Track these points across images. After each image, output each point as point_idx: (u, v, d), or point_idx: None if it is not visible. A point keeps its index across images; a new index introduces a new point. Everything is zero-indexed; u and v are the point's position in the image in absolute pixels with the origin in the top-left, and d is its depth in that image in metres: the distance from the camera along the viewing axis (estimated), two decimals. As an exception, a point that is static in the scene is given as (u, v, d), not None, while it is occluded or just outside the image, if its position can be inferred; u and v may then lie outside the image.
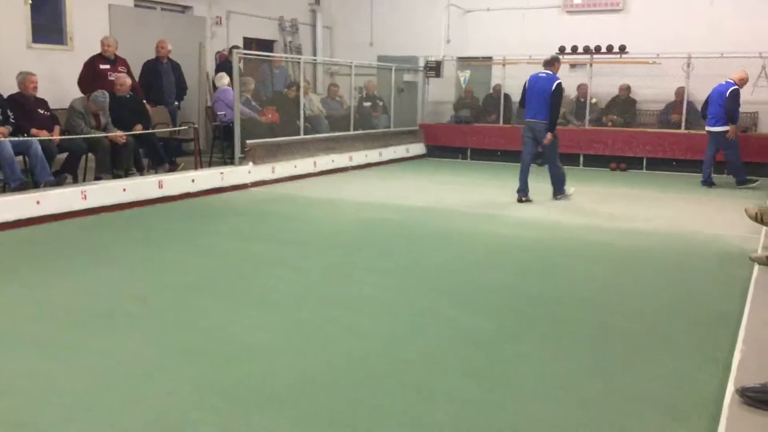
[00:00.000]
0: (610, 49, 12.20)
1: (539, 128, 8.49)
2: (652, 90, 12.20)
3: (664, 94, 12.14)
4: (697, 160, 11.41)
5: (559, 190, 8.77)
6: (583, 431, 2.72)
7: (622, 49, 12.10)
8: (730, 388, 2.84)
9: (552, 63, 8.57)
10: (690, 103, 11.84)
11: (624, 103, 12.53)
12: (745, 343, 3.39)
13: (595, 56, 12.39)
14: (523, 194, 8.56)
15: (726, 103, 9.71)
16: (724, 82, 9.92)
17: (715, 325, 3.98)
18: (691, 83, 11.66)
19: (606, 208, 8.20)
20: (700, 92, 11.76)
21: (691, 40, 11.68)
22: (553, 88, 8.29)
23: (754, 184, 9.84)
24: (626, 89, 12.52)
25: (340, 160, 11.32)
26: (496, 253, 5.79)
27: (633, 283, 4.94)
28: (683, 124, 11.77)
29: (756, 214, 5.21)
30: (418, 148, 13.64)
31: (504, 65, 13.28)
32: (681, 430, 2.72)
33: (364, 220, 7.19)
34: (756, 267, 4.94)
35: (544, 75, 8.48)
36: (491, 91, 13.82)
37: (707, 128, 10.12)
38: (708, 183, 10.05)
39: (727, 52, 10.94)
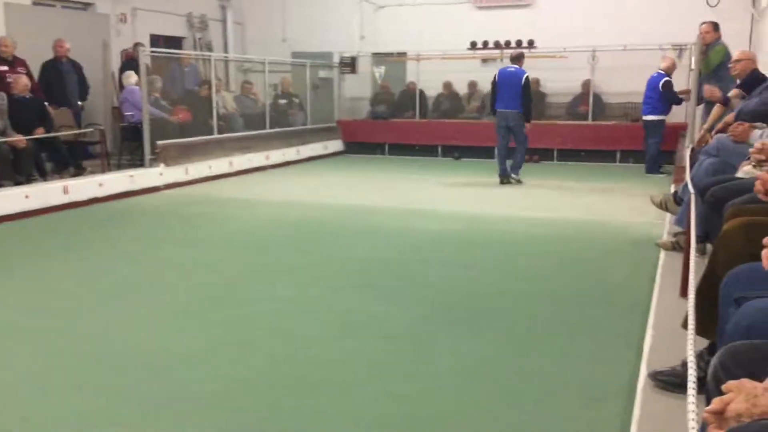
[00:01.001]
0: (519, 43, 12.51)
1: (512, 116, 9.31)
2: (560, 83, 12.59)
3: (571, 87, 12.54)
4: (603, 150, 11.87)
5: (514, 172, 9.59)
6: (504, 417, 2.76)
7: (531, 43, 12.43)
8: (643, 372, 2.95)
9: (519, 58, 9.44)
10: (596, 95, 12.29)
11: (534, 97, 12.85)
12: (654, 327, 3.53)
13: (505, 51, 12.66)
14: (503, 177, 9.48)
15: (664, 95, 10.10)
16: (655, 74, 10.33)
17: (629, 310, 4.12)
18: (596, 75, 12.10)
19: (524, 199, 8.41)
20: (606, 84, 12.26)
21: (598, 33, 12.10)
22: (523, 81, 9.14)
23: (663, 174, 10.31)
24: (535, 83, 12.83)
25: (257, 159, 11.13)
26: (420, 248, 5.81)
27: (552, 271, 5.07)
28: (590, 115, 12.21)
29: (661, 201, 5.45)
30: (336, 145, 13.59)
31: (418, 61, 13.39)
32: (598, 412, 2.80)
33: (284, 219, 7.10)
34: (662, 252, 5.17)
35: (512, 69, 9.31)
36: (407, 86, 13.91)
37: (642, 117, 10.53)
38: (656, 170, 10.38)
39: (634, 45, 11.38)
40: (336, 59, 13.97)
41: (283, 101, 12.81)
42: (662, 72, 10.30)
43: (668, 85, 10.13)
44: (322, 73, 13.76)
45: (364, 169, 11.52)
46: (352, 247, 5.86)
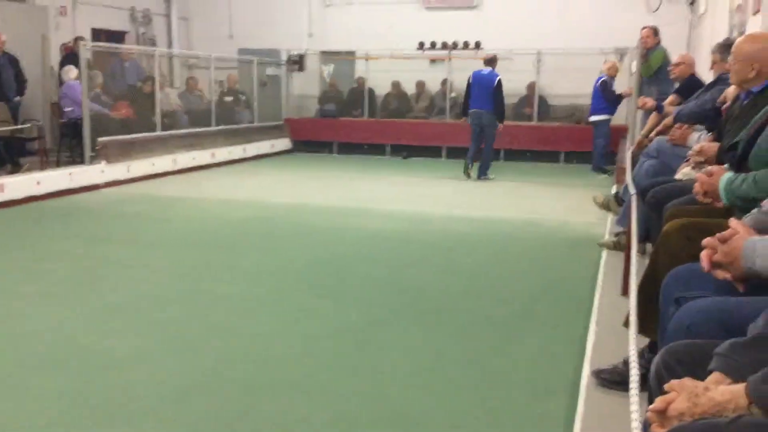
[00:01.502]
0: (466, 45, 12.62)
1: (484, 116, 9.81)
2: (506, 84, 12.60)
3: (517, 89, 12.71)
4: (548, 151, 12.07)
5: (483, 173, 9.98)
6: (454, 414, 2.76)
7: (477, 45, 12.56)
8: (587, 370, 2.99)
9: (492, 61, 9.95)
10: (541, 97, 12.49)
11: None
12: (597, 325, 3.59)
13: (452, 52, 12.76)
14: (466, 169, 9.99)
15: (603, 95, 10.39)
16: (599, 76, 10.62)
17: (572, 308, 4.19)
18: (542, 78, 12.30)
19: (469, 198, 8.49)
20: (551, 86, 12.46)
21: (543, 36, 12.31)
22: (495, 83, 9.65)
23: (606, 174, 10.54)
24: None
25: (201, 156, 10.93)
26: (366, 247, 5.81)
27: (495, 269, 5.13)
28: (535, 116, 12.40)
29: (603, 202, 5.57)
30: (283, 143, 13.46)
31: (367, 60, 13.37)
32: (544, 408, 2.83)
33: (229, 218, 7.00)
34: (604, 251, 5.27)
35: (486, 72, 9.84)
36: (355, 84, 13.88)
37: (589, 118, 10.83)
38: (600, 169, 10.58)
39: (579, 48, 11.60)
40: (284, 57, 13.83)
41: (229, 98, 12.63)
42: (602, 74, 10.57)
43: (604, 85, 10.41)
44: (269, 71, 13.62)
45: (311, 167, 11.45)
46: (298, 247, 5.81)
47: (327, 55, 13.87)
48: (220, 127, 11.90)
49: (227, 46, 13.82)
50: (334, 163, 12.15)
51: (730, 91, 4.08)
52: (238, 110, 12.72)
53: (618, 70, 10.65)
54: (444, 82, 13.10)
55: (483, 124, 9.83)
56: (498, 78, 9.70)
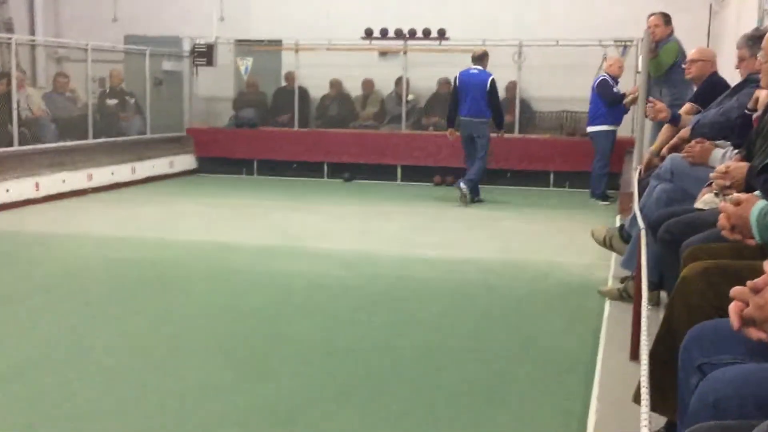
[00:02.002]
0: (427, 33, 12.79)
1: (477, 124, 10.47)
2: (480, 86, 12.92)
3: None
4: (533, 171, 12.26)
5: (475, 193, 10.58)
6: None
7: (442, 34, 12.74)
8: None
9: (482, 58, 10.55)
10: (524, 102, 12.72)
11: (446, 101, 13.14)
12: (600, 400, 3.61)
13: (409, 42, 12.91)
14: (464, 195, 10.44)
15: (602, 98, 10.64)
16: (598, 76, 10.92)
17: (568, 377, 4.22)
18: (524, 77, 12.53)
19: (430, 233, 8.53)
20: (536, 88, 12.69)
21: (525, 24, 12.57)
22: (489, 84, 10.31)
23: (608, 202, 10.73)
24: (447, 83, 13.15)
25: (74, 179, 10.76)
26: (294, 298, 5.78)
27: (466, 328, 5.12)
28: (516, 127, 12.60)
29: (604, 238, 5.64)
30: (186, 161, 13.36)
31: (297, 51, 13.42)
32: None
33: (112, 262, 6.91)
34: (607, 302, 5.32)
35: (475, 71, 10.46)
36: (283, 83, 13.89)
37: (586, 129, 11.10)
38: (600, 196, 10.81)
39: (572, 39, 11.85)
40: (186, 47, 13.77)
41: (112, 101, 12.52)
42: (603, 73, 10.84)
43: (603, 84, 10.69)
44: (167, 65, 13.55)
45: (223, 193, 11.37)
46: (204, 299, 5.74)
47: (244, 45, 13.85)
48: (101, 140, 11.76)
49: (109, 33, 13.68)
50: (254, 188, 12.08)
51: (763, 95, 4.21)
52: (124, 117, 12.60)
53: (622, 68, 10.92)
54: (399, 80, 13.23)
55: (474, 135, 10.51)
56: (491, 78, 10.36)
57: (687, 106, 6.08)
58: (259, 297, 5.82)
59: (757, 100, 4.30)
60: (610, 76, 10.76)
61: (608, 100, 10.64)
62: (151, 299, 5.75)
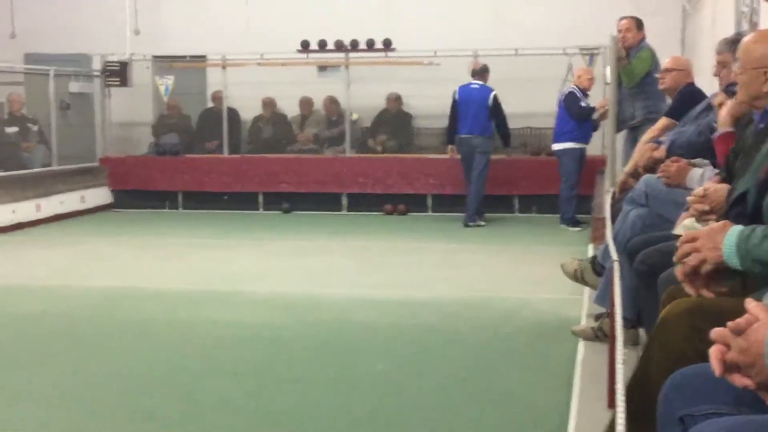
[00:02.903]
0: (371, 45, 12.86)
1: (477, 143, 11.25)
2: (432, 101, 12.99)
3: (447, 107, 12.95)
4: (496, 195, 12.31)
5: (471, 217, 11.26)
6: None
7: (387, 45, 12.81)
8: None
9: (482, 73, 11.40)
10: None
11: (396, 119, 13.24)
12: (574, 456, 3.60)
13: (351, 55, 12.96)
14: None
15: (569, 111, 10.89)
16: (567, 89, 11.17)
17: (538, 428, 4.22)
18: (481, 91, 12.63)
19: (381, 270, 8.52)
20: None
21: (481, 32, 12.66)
22: (491, 101, 11.18)
23: (580, 228, 10.85)
24: (396, 100, 13.25)
25: (-32, 220, 10.56)
26: (224, 353, 5.71)
27: (422, 380, 5.09)
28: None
29: (575, 271, 5.67)
30: (99, 196, 13.24)
31: (224, 67, 13.39)
32: None
33: (11, 316, 6.79)
34: (581, 343, 5.34)
35: (476, 86, 11.32)
36: (209, 104, 13.85)
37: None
38: (570, 221, 10.97)
39: (533, 48, 12.01)
40: (97, 65, 13.69)
41: (11, 129, 12.41)
42: (573, 86, 11.03)
43: (570, 98, 10.89)
44: (74, 86, 13.47)
45: (143, 231, 11.29)
46: (115, 355, 5.65)
47: (164, 62, 13.81)
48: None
49: (7, 52, 13.56)
50: (179, 224, 12.00)
51: (723, 113, 4.29)
52: (26, 147, 12.49)
53: (592, 80, 11.07)
54: (328, 100, 13.31)
55: (476, 152, 11.27)
56: (493, 93, 11.23)
57: (662, 121, 6.17)
58: (180, 353, 5.72)
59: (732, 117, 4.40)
60: (578, 88, 10.92)
61: (576, 115, 10.79)
62: (56, 359, 5.63)
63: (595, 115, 10.68)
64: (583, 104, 10.82)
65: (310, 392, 4.89)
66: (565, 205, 11.03)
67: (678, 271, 2.55)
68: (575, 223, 10.92)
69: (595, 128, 11.04)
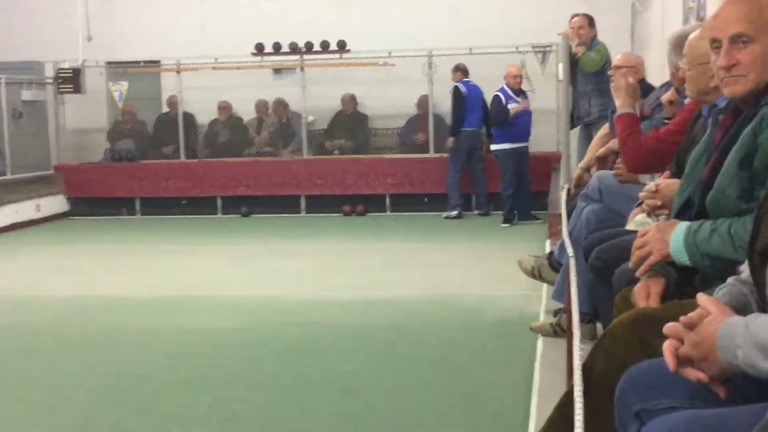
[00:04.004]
0: (325, 47, 12.85)
1: (479, 136, 11.93)
2: (387, 101, 13.05)
3: (403, 107, 13.04)
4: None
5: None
6: None
7: (342, 46, 12.81)
8: None
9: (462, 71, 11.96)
10: (437, 117, 12.86)
11: (352, 121, 13.25)
12: (535, 452, 3.63)
13: (306, 57, 12.94)
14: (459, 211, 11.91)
15: (493, 115, 11.21)
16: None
17: (497, 427, 4.24)
18: (435, 90, 12.67)
19: (343, 271, 8.52)
20: (449, 101, 12.81)
21: (435, 32, 12.71)
22: (483, 96, 11.74)
23: (509, 224, 11.02)
24: (352, 101, 13.24)
25: None
26: (186, 360, 5.66)
27: (383, 379, 5.11)
28: (431, 146, 12.72)
29: (533, 268, 5.71)
30: (55, 204, 13.12)
31: (178, 72, 13.31)
32: None
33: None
34: (540, 339, 5.38)
35: (474, 84, 11.81)
36: (165, 109, 13.77)
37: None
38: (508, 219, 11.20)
39: (486, 47, 12.08)
40: (49, 72, 13.60)
41: (-36, 139, 12.21)
42: (504, 87, 11.31)
43: (494, 101, 11.24)
44: (26, 94, 13.35)
45: (100, 238, 11.22)
46: (76, 367, 5.57)
47: (117, 68, 13.71)
48: (-48, 185, 11.44)
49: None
50: (137, 230, 11.94)
51: (666, 97, 4.37)
52: (-21, 156, 12.30)
53: (518, 79, 11.19)
54: (277, 102, 13.32)
55: (475, 147, 11.83)
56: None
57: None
58: (145, 361, 5.67)
59: (670, 108, 4.47)
60: (507, 87, 11.12)
61: (497, 118, 11.19)
62: (18, 372, 5.57)
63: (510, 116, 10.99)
64: (508, 106, 11.06)
65: (277, 397, 4.87)
66: (504, 204, 11.26)
67: (632, 261, 2.65)
68: (507, 220, 11.14)
69: (502, 123, 11.27)
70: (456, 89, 11.71)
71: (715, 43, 2.47)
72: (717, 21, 2.48)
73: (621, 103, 4.41)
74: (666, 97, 4.59)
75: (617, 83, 4.60)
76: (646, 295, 2.57)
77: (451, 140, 11.83)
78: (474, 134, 11.79)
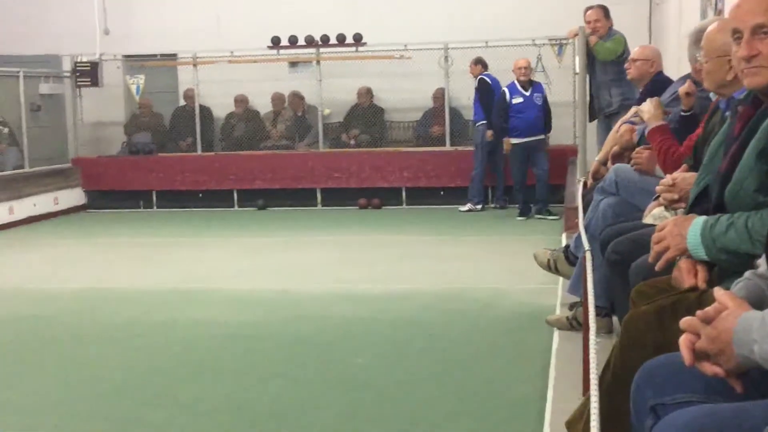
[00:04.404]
0: (341, 40, 12.84)
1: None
2: (403, 94, 13.02)
3: (419, 100, 13.01)
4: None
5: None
6: None
7: (358, 39, 12.79)
8: None
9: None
10: (454, 110, 12.84)
11: (368, 114, 13.23)
12: (551, 444, 3.62)
13: (322, 50, 12.93)
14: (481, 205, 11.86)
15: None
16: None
17: (515, 419, 4.24)
18: (452, 83, 12.65)
19: (358, 265, 8.52)
20: (465, 95, 12.80)
21: (452, 25, 12.67)
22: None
23: (522, 217, 10.98)
24: (368, 94, 13.22)
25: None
26: (202, 352, 5.69)
27: (401, 372, 5.11)
28: (447, 139, 12.70)
29: (549, 261, 5.68)
30: (73, 197, 13.16)
31: (195, 65, 13.33)
32: None
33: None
34: (556, 333, 5.36)
35: (493, 76, 11.75)
36: (182, 102, 13.81)
37: None
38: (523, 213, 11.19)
39: (502, 39, 11.96)
40: (67, 66, 13.61)
41: (-18, 132, 12.28)
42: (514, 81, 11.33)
43: (501, 96, 11.32)
44: (44, 88, 13.36)
45: (117, 231, 11.24)
46: (96, 358, 5.61)
47: (134, 61, 13.73)
48: (-30, 178, 11.52)
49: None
50: (154, 223, 11.96)
51: (683, 89, 4.34)
52: (-2, 149, 12.34)
53: (526, 69, 11.14)
54: (293, 95, 13.27)
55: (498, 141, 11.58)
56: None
57: (635, 109, 6.19)
58: (159, 354, 5.69)
59: (687, 99, 4.45)
60: (516, 83, 11.14)
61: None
62: (35, 364, 5.59)
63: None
64: (512, 101, 11.09)
65: (290, 389, 4.88)
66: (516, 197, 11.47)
67: (650, 256, 2.65)
68: (523, 213, 11.18)
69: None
70: (483, 81, 11.65)
71: (737, 34, 2.43)
72: (739, 11, 2.43)
73: (649, 117, 4.39)
74: (683, 89, 4.56)
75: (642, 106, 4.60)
76: (693, 273, 2.54)
77: (489, 133, 11.57)
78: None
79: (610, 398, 2.47)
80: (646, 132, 4.42)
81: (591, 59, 8.65)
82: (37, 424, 4.51)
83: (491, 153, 11.66)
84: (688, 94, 4.53)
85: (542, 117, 11.20)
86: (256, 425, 4.39)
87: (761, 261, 2.11)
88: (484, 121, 11.58)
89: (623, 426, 2.28)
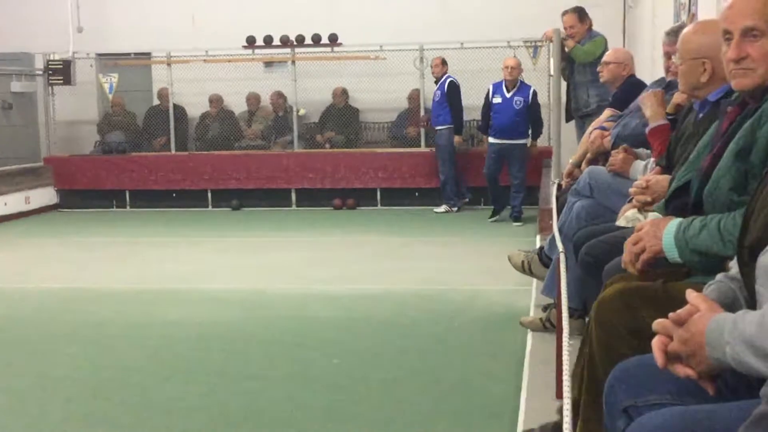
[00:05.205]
0: (317, 40, 12.83)
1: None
2: (378, 95, 13.03)
3: (394, 100, 13.02)
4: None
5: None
6: None
7: (333, 39, 12.80)
8: None
9: None
10: (428, 111, 12.85)
11: (343, 114, 13.23)
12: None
13: (298, 50, 12.92)
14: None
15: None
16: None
17: (489, 421, 4.24)
18: (428, 84, 12.66)
19: (332, 265, 8.51)
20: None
21: (427, 26, 12.71)
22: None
23: (493, 217, 11.04)
24: (343, 94, 13.24)
25: None
26: (173, 352, 5.67)
27: (372, 373, 5.11)
28: (422, 139, 12.72)
29: (523, 263, 5.70)
30: (44, 196, 13.07)
31: (169, 64, 13.28)
32: None
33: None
34: (530, 334, 5.38)
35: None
36: (155, 101, 13.77)
37: None
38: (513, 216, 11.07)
39: (478, 41, 12.08)
40: (39, 64, 13.55)
41: (-47, 130, 12.17)
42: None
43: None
44: (16, 86, 13.32)
45: (90, 231, 11.19)
46: (68, 358, 5.56)
47: (108, 60, 13.68)
48: (-59, 176, 11.41)
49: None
50: (127, 223, 11.92)
51: (678, 97, 4.35)
52: (-32, 148, 12.27)
53: (512, 69, 11.02)
54: (275, 95, 13.27)
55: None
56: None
57: (607, 112, 6.23)
58: (132, 354, 5.66)
59: (675, 105, 4.44)
60: (503, 82, 11.02)
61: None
62: (6, 363, 5.56)
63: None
64: (492, 100, 10.99)
65: (265, 390, 4.88)
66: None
67: (623, 258, 2.67)
68: (495, 213, 11.16)
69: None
70: (454, 84, 11.66)
71: (727, 35, 2.44)
72: (731, 12, 2.45)
73: (651, 114, 4.36)
74: (676, 99, 4.52)
75: (643, 98, 4.58)
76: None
77: (458, 139, 11.75)
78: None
79: (585, 397, 2.50)
80: (647, 131, 4.41)
81: (570, 60, 8.68)
82: (8, 424, 4.47)
83: (461, 156, 11.81)
84: (679, 105, 4.52)
85: (521, 122, 10.90)
86: (231, 426, 4.37)
87: (733, 263, 2.13)
88: (450, 125, 11.58)
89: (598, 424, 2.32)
